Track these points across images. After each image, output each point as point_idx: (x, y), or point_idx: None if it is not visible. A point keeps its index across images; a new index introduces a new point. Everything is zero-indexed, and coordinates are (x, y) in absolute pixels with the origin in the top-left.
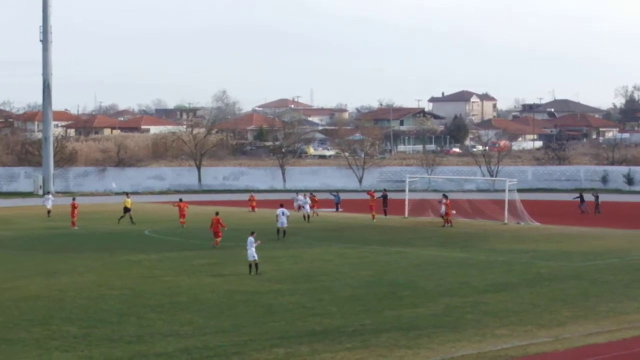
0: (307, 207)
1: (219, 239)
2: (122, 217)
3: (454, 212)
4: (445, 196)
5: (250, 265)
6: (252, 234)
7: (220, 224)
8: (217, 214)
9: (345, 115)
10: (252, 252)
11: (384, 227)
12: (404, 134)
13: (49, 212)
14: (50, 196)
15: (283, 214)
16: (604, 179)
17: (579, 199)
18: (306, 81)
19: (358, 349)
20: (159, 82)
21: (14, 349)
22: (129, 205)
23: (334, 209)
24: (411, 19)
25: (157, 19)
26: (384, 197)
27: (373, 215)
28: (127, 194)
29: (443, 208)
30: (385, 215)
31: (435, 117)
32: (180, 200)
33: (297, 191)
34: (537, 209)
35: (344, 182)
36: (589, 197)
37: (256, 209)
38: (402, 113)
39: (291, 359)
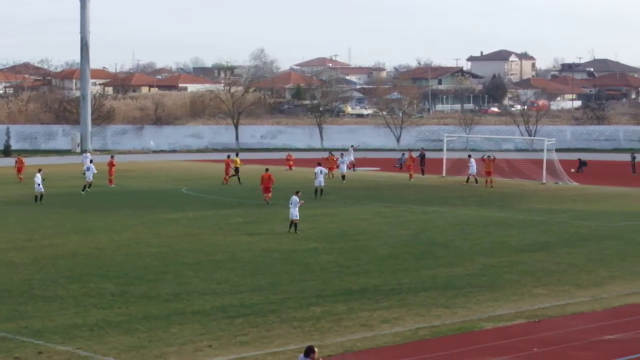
0: (344, 166)
1: (269, 194)
2: (233, 176)
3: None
4: (489, 156)
5: (291, 223)
6: (296, 193)
7: (271, 180)
8: (267, 170)
9: (383, 74)
10: (294, 212)
11: (421, 186)
12: (442, 93)
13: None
14: (88, 155)
15: (321, 172)
16: None
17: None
18: (344, 40)
19: (395, 308)
20: (196, 40)
21: (51, 306)
22: (238, 165)
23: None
24: None
25: None
26: (422, 156)
27: (410, 175)
28: (236, 153)
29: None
30: (423, 174)
31: (474, 76)
32: (228, 156)
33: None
34: (606, 170)
35: (382, 141)
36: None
37: (294, 168)
38: (440, 72)
39: (328, 317)
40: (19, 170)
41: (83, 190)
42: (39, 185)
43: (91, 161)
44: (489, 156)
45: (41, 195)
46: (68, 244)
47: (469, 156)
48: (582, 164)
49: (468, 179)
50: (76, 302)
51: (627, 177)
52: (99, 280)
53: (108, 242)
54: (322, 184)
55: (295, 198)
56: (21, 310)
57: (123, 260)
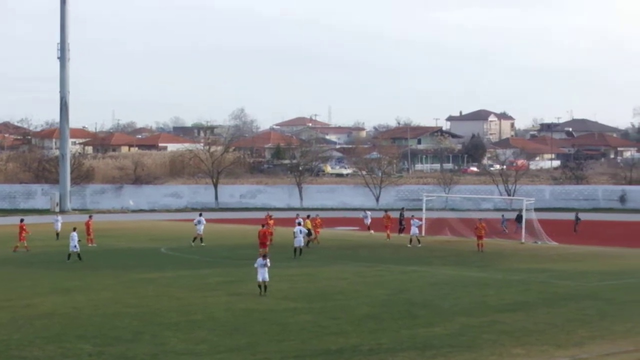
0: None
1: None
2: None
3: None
4: (480, 220)
5: (259, 286)
6: (263, 256)
7: (267, 236)
8: (263, 226)
9: (363, 133)
10: (262, 273)
11: (400, 245)
12: (422, 153)
13: (57, 234)
14: (59, 217)
15: (300, 232)
16: (622, 199)
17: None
18: (324, 100)
19: None
20: (177, 100)
21: None
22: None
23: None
24: (429, 37)
25: (175, 38)
26: (402, 215)
27: (388, 235)
28: (308, 216)
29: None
30: (401, 233)
31: (453, 136)
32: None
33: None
34: (555, 228)
35: (361, 200)
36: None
37: (273, 227)
38: (419, 132)
39: None
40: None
41: (68, 259)
42: (75, 246)
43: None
44: (480, 220)
45: (78, 254)
46: (45, 304)
47: (412, 216)
48: (577, 219)
49: (411, 240)
50: None
51: (610, 237)
52: (76, 340)
53: (86, 302)
54: (302, 244)
55: (260, 260)
56: None
57: (100, 320)
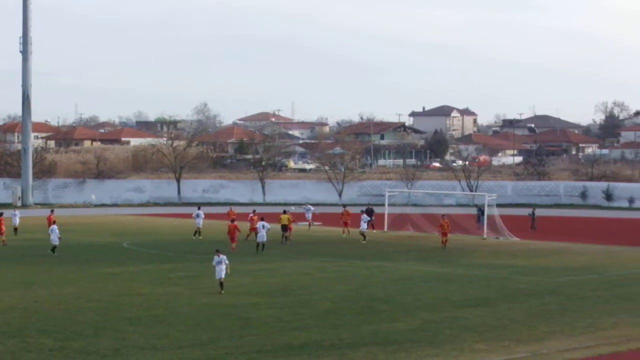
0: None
1: (235, 244)
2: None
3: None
4: (443, 216)
5: (220, 284)
6: (217, 252)
7: (237, 230)
8: (233, 221)
9: (326, 129)
10: (219, 270)
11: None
12: (384, 148)
13: (15, 229)
14: (17, 212)
15: (263, 227)
16: (583, 195)
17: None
18: (287, 95)
19: None
20: (140, 94)
21: None
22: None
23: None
24: (393, 33)
25: (138, 31)
26: (370, 211)
27: (345, 230)
28: (284, 211)
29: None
30: (373, 229)
31: (416, 131)
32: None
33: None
34: (517, 224)
35: (324, 195)
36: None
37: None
38: (382, 127)
39: None
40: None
41: (53, 252)
42: (57, 239)
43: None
44: (443, 216)
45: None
46: (6, 298)
47: (362, 212)
48: (533, 216)
49: (364, 235)
50: (13, 357)
51: (571, 232)
52: (38, 335)
53: (47, 297)
54: (265, 239)
55: (216, 257)
56: None
57: (62, 315)
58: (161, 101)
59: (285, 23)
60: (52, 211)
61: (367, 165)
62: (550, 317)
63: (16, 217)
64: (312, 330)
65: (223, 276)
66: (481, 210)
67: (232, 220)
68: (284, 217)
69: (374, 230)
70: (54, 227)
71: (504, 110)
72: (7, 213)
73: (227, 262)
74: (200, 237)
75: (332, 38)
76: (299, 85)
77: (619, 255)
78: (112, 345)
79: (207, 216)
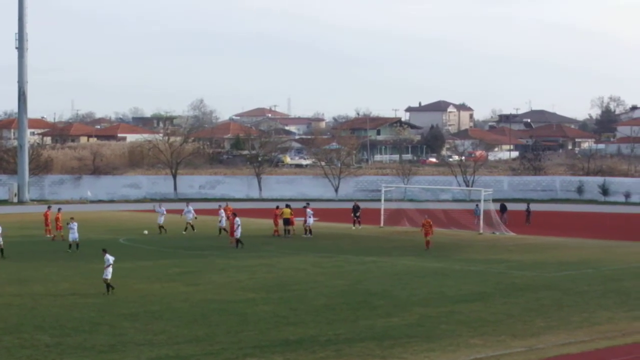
0: (224, 221)
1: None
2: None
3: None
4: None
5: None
6: (104, 251)
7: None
8: (235, 215)
9: (322, 124)
10: (108, 271)
11: (359, 236)
12: (381, 144)
13: None
14: None
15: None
16: (580, 190)
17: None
18: (283, 90)
19: (331, 359)
20: (136, 90)
21: None
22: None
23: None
24: (389, 28)
25: (134, 27)
26: (356, 208)
27: (276, 231)
28: (287, 205)
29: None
30: (360, 225)
31: (412, 126)
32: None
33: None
34: (513, 219)
35: (320, 191)
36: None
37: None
38: (379, 123)
39: None
40: None
41: (69, 248)
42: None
43: None
44: (426, 216)
45: (77, 244)
46: (2, 295)
47: (306, 205)
48: (528, 211)
49: (306, 230)
50: (9, 353)
51: (567, 227)
52: (34, 331)
53: (44, 293)
54: (238, 235)
55: (107, 257)
56: None
57: (59, 311)
58: (157, 97)
59: (281, 19)
60: (49, 207)
61: (363, 160)
62: (546, 312)
63: None
64: (308, 326)
65: (109, 277)
66: (503, 206)
67: (234, 215)
68: (286, 210)
69: (360, 226)
70: (73, 224)
71: (500, 106)
72: (9, 209)
73: (111, 262)
74: (193, 231)
75: (328, 34)
76: (295, 80)
77: (615, 250)
78: (108, 341)
79: (204, 212)
